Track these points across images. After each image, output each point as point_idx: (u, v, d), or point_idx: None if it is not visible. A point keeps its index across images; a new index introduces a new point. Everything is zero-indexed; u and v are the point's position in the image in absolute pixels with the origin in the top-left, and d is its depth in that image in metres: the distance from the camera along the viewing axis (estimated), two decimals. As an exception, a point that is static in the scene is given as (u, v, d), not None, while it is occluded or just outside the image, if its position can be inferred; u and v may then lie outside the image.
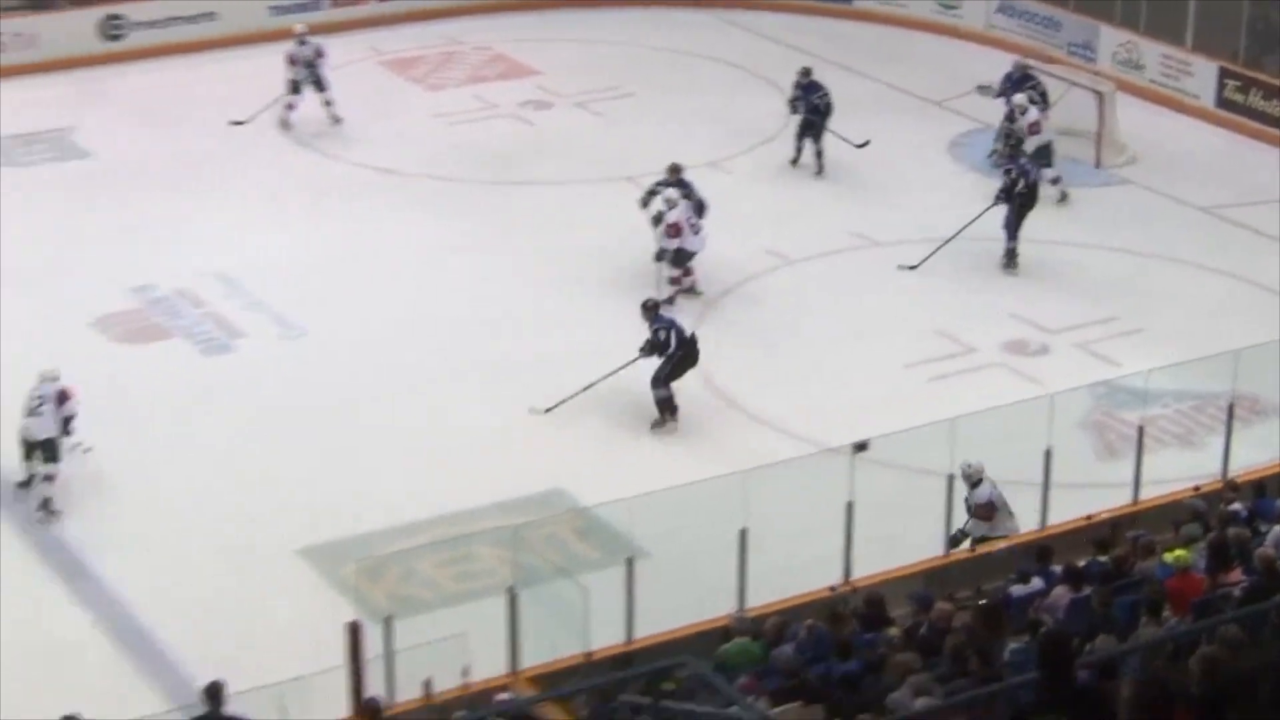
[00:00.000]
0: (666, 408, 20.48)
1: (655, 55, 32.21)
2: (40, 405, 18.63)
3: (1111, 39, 30.87)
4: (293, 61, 28.62)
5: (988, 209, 24.06)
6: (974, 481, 17.24)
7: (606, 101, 30.00)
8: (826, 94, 26.99)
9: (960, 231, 23.97)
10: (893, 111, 29.32)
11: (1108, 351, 22.07)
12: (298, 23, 29.56)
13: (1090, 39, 31.17)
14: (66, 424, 18.74)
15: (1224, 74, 29.38)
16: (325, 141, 28.14)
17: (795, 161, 27.23)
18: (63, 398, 18.74)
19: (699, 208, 23.33)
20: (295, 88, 28.65)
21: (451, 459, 19.67)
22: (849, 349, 22.18)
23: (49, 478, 18.62)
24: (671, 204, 22.93)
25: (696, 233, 22.99)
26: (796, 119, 27.19)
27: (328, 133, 28.38)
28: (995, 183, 24.67)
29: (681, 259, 23.04)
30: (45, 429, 18.62)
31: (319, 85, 28.67)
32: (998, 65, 29.47)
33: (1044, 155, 26.02)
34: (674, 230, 22.82)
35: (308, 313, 22.57)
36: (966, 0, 33.01)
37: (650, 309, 20.89)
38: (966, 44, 32.61)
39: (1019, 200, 24.01)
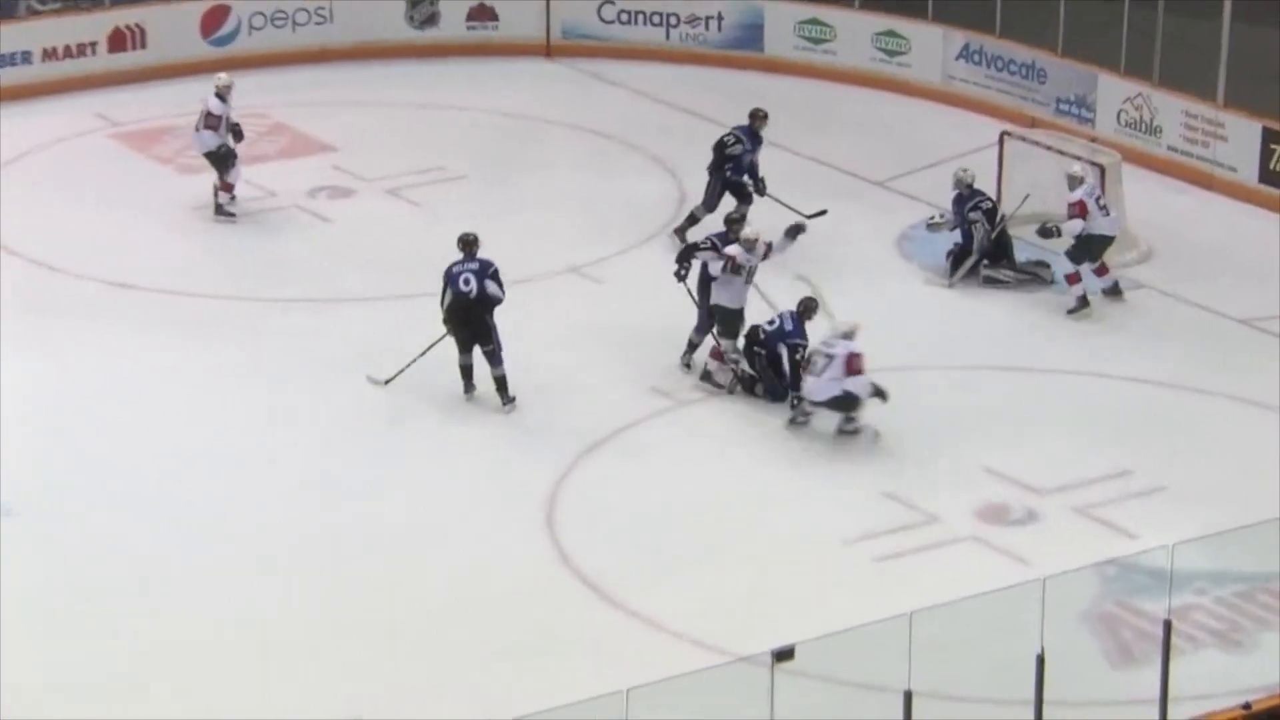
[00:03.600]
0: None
1: (492, 122, 32.43)
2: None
3: (1116, 92, 31.28)
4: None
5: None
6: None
7: (428, 186, 30.16)
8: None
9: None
10: (823, 194, 29.41)
11: (1118, 518, 22.22)
12: (220, 74, 29.95)
13: (1086, 93, 31.56)
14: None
15: (1269, 137, 29.74)
16: (44, 248, 28.03)
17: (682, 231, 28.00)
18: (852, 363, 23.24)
19: None
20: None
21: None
22: (764, 521, 22.24)
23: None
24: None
25: None
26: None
27: (49, 236, 28.31)
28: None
29: None
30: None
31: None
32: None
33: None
34: None
35: (20, 480, 22.36)
36: (916, 46, 33.39)
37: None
38: (918, 102, 33.01)
39: None
